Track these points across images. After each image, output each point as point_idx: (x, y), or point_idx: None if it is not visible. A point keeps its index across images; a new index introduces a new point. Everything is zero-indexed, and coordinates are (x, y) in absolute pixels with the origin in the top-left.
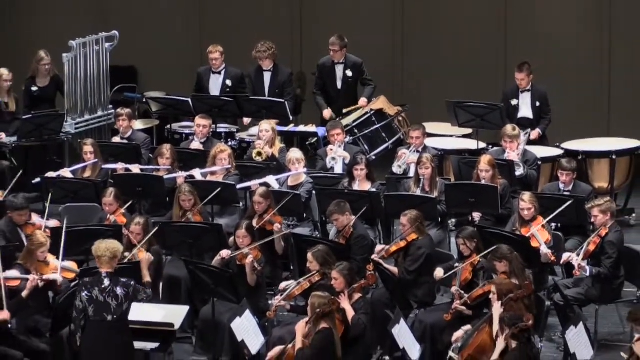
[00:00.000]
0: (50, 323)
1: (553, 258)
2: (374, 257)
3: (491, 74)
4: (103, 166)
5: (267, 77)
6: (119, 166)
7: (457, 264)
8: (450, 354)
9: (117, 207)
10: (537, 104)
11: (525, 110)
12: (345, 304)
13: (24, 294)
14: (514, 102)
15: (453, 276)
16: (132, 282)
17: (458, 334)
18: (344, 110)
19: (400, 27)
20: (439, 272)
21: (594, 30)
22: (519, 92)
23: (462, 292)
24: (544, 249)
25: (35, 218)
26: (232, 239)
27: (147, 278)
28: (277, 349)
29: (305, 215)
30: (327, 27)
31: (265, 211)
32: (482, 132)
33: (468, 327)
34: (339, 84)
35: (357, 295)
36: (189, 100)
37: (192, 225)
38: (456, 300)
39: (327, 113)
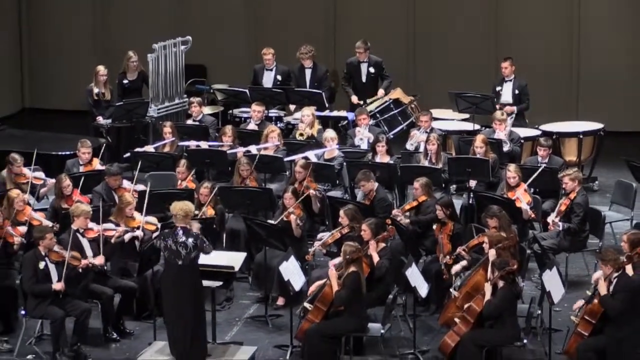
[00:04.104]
0: (137, 266)
1: (533, 215)
2: (393, 213)
3: (484, 71)
4: (179, 143)
5: (307, 73)
6: (192, 143)
7: (435, 225)
8: (452, 290)
9: (188, 174)
10: (516, 92)
11: (507, 96)
12: (372, 251)
13: (112, 241)
14: (497, 88)
15: (439, 247)
16: (201, 236)
17: (456, 267)
18: (368, 101)
19: (412, 32)
20: None
21: (566, 34)
22: (503, 82)
23: (451, 256)
24: (526, 208)
25: (126, 183)
26: (280, 201)
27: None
28: (316, 285)
29: (337, 181)
30: (354, 33)
31: (304, 178)
32: (477, 116)
33: (464, 262)
34: (364, 79)
35: (382, 245)
36: (247, 91)
37: (248, 189)
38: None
39: (355, 98)
